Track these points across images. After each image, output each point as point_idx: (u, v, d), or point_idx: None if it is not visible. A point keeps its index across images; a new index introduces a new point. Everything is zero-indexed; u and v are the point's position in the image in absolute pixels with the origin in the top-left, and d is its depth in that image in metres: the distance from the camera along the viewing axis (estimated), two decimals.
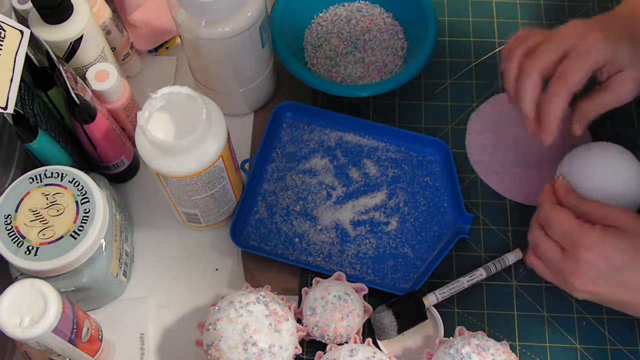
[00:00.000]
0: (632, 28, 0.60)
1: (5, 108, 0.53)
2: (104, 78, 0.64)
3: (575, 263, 0.54)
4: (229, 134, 0.61)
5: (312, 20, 0.79)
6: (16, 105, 0.55)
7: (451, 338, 0.60)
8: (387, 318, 0.61)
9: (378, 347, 0.62)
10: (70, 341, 0.54)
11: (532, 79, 0.59)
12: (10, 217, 0.57)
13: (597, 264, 0.53)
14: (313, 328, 0.61)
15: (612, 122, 0.72)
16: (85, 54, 0.66)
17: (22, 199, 0.58)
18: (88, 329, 0.57)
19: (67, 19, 0.63)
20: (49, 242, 0.57)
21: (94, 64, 0.67)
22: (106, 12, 0.70)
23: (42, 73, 0.62)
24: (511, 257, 0.65)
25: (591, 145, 0.64)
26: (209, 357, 0.58)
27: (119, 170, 0.70)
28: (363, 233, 0.68)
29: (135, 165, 0.72)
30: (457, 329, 0.62)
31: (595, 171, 0.61)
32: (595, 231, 0.54)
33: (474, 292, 0.65)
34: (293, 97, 0.75)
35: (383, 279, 0.66)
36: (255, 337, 0.57)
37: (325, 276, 0.65)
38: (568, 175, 0.61)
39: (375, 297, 0.64)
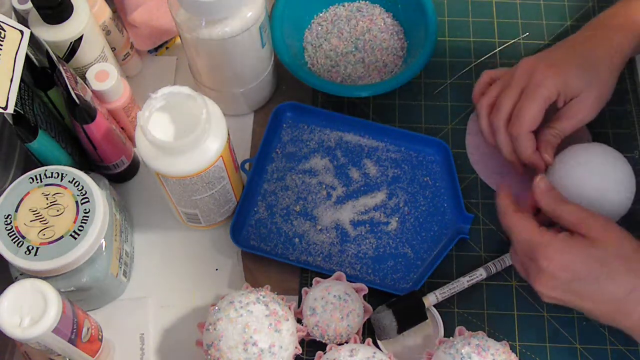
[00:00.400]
0: (583, 55, 0.62)
1: (5, 108, 0.53)
2: (104, 78, 0.64)
3: (537, 271, 0.54)
4: (229, 134, 0.61)
5: (312, 20, 0.79)
6: (16, 105, 0.55)
7: (451, 338, 0.60)
8: (387, 318, 0.61)
9: (378, 347, 0.62)
10: (70, 341, 0.54)
11: (502, 134, 0.64)
12: (10, 217, 0.57)
13: (556, 274, 0.52)
14: (313, 328, 0.61)
15: (612, 123, 0.72)
16: (85, 54, 0.66)
17: (22, 199, 0.58)
18: (88, 329, 0.57)
19: (67, 19, 0.63)
20: (49, 242, 0.57)
21: (94, 64, 0.67)
22: (106, 12, 0.70)
23: (42, 73, 0.62)
24: None
25: (583, 146, 0.63)
26: (209, 357, 0.58)
27: (119, 170, 0.70)
28: (363, 233, 0.68)
29: (135, 165, 0.72)
30: (457, 329, 0.61)
31: (583, 173, 0.60)
32: (556, 241, 0.53)
33: (474, 292, 0.65)
34: (293, 97, 0.75)
35: (383, 279, 0.66)
36: (255, 337, 0.57)
37: (325, 276, 0.65)
38: (557, 176, 0.61)
39: (375, 297, 0.64)
